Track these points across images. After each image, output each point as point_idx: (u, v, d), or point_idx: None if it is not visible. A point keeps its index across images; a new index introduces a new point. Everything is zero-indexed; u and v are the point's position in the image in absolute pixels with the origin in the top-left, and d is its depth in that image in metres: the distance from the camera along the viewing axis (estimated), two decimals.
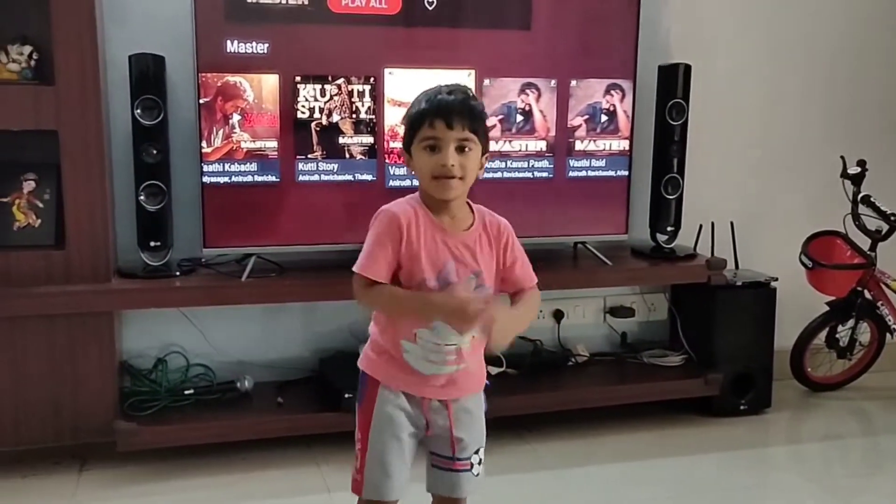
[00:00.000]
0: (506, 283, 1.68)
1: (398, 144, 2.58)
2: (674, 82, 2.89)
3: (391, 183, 2.66)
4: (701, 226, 3.04)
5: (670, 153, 2.92)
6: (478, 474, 1.71)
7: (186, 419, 2.51)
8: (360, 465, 1.66)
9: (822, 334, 3.16)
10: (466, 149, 1.58)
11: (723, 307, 2.94)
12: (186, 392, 2.60)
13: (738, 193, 3.24)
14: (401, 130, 1.75)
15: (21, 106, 2.33)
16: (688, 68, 2.89)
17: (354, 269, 1.59)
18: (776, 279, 3.00)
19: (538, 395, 2.77)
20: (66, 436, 2.43)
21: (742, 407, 2.97)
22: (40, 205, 2.49)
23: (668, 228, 2.97)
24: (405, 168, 1.77)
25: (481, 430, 1.72)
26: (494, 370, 2.77)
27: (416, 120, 1.59)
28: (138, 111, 2.45)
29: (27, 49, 2.41)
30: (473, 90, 2.63)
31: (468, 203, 1.66)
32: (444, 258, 1.59)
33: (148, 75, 2.45)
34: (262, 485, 2.45)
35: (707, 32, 3.12)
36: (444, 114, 1.56)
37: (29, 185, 2.49)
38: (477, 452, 1.71)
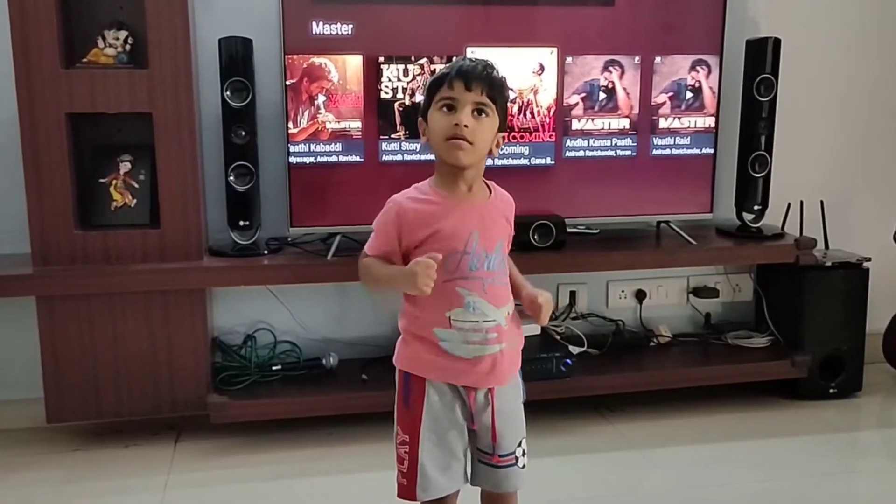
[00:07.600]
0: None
1: None
2: (762, 57, 2.80)
3: None
4: (789, 204, 2.96)
5: (758, 130, 2.84)
6: (523, 466, 1.67)
7: (275, 394, 2.58)
8: (408, 468, 1.59)
9: None
10: (483, 114, 1.55)
11: (812, 288, 2.86)
12: (274, 368, 2.67)
13: (828, 171, 3.13)
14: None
15: (117, 89, 2.40)
16: (777, 42, 2.80)
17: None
18: (868, 259, 2.90)
19: (620, 375, 2.75)
20: (164, 408, 2.52)
21: (832, 390, 2.90)
22: (136, 185, 2.57)
23: (755, 207, 2.90)
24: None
25: (521, 421, 1.68)
26: (576, 350, 2.77)
27: (436, 82, 1.58)
28: (227, 93, 2.50)
29: (122, 34, 2.48)
30: (557, 68, 2.66)
31: (484, 180, 1.65)
32: (467, 229, 1.56)
33: (236, 58, 2.50)
34: (347, 459, 2.50)
35: (798, 4, 3.02)
36: (463, 75, 1.54)
37: (125, 166, 2.57)
38: (520, 445, 1.66)
